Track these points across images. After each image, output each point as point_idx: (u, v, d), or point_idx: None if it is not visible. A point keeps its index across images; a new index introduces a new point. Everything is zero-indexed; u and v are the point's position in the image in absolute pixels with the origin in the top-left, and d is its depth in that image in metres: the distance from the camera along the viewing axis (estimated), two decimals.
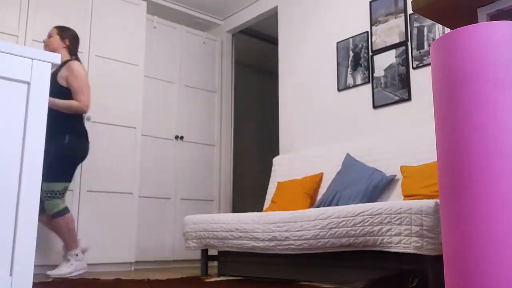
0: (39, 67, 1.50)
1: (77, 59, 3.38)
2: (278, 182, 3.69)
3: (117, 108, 3.91)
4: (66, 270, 3.11)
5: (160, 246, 4.23)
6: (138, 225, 4.03)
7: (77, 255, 3.17)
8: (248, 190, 5.52)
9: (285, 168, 3.84)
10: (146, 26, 4.38)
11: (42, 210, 3.22)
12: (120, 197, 3.82)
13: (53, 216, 3.13)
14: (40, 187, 1.44)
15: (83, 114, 3.34)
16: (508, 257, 1.08)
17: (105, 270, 3.68)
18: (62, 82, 3.24)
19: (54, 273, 3.08)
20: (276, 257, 2.91)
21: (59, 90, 3.23)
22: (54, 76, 3.26)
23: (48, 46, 3.36)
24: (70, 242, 3.17)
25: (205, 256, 3.32)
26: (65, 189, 3.19)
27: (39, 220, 3.26)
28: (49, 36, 3.37)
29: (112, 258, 3.69)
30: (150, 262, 4.19)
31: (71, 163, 3.24)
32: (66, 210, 3.16)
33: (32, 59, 1.49)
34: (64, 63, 3.31)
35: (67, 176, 3.21)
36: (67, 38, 3.38)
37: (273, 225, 2.77)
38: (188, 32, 4.77)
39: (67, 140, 3.20)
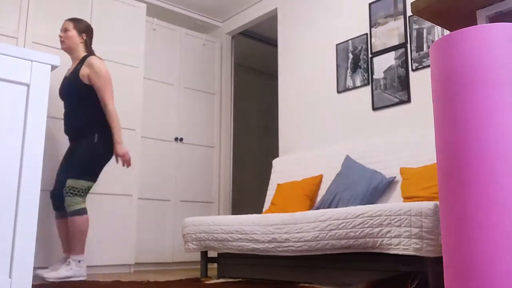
0: (39, 69, 1.50)
1: (92, 53, 3.34)
2: (278, 184, 3.69)
3: (117, 110, 3.91)
4: (64, 273, 3.05)
5: (159, 248, 4.23)
6: (137, 227, 4.03)
7: (79, 261, 3.11)
8: (248, 192, 5.52)
9: (284, 170, 3.84)
10: (146, 28, 4.39)
11: (58, 208, 3.20)
12: (120, 199, 3.81)
13: (70, 214, 3.08)
14: (39, 190, 1.44)
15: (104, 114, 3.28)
16: (508, 259, 1.08)
17: (104, 272, 3.67)
18: (85, 80, 3.20)
19: (52, 275, 3.02)
20: (276, 259, 2.91)
21: (82, 88, 3.19)
22: (76, 73, 3.21)
23: (65, 42, 3.27)
24: (78, 246, 3.11)
25: (205, 258, 3.32)
26: (89, 188, 3.17)
27: (56, 217, 3.25)
28: (65, 30, 3.27)
29: (112, 260, 3.69)
30: (150, 264, 4.18)
31: (99, 162, 3.22)
32: (84, 211, 3.13)
33: (31, 61, 1.49)
34: (83, 59, 3.25)
35: (94, 176, 3.20)
36: (84, 31, 3.31)
37: (272, 227, 2.77)
38: (187, 34, 4.78)
39: (96, 139, 3.18)
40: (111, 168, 3.74)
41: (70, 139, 3.34)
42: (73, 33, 3.28)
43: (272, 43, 5.55)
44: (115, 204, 3.78)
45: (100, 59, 3.28)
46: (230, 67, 5.11)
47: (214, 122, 4.86)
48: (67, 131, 3.31)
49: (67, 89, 3.26)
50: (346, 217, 2.42)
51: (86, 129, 3.20)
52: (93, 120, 3.22)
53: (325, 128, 3.84)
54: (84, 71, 3.20)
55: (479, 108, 1.16)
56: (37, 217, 3.36)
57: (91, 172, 3.18)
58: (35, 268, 3.31)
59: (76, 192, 3.10)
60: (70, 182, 3.10)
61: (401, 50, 3.34)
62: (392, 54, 3.40)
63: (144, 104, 4.25)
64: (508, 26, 1.19)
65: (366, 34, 3.61)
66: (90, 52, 3.35)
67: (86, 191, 3.16)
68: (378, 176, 3.01)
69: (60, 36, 3.30)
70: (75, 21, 3.31)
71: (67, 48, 3.30)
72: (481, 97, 1.16)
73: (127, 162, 3.26)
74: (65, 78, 3.33)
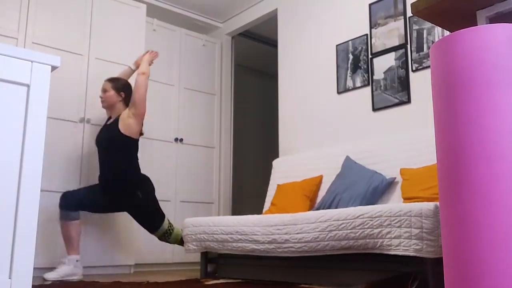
0: (39, 69, 1.50)
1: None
2: (278, 185, 3.69)
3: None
4: (62, 272, 3.14)
5: (159, 249, 4.22)
6: (138, 227, 4.03)
7: (77, 261, 3.20)
8: (248, 193, 5.52)
9: (284, 171, 3.84)
10: (146, 28, 4.39)
11: (65, 208, 3.27)
12: None
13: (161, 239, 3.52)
14: (39, 190, 1.44)
15: (137, 162, 3.45)
16: (508, 259, 1.08)
17: (104, 272, 3.67)
18: (125, 132, 3.33)
19: (52, 276, 3.07)
20: (275, 259, 2.91)
21: (123, 140, 3.33)
22: (115, 126, 3.34)
23: (105, 102, 3.44)
24: (76, 246, 3.24)
25: (205, 258, 3.32)
26: (169, 221, 3.51)
27: (61, 218, 3.31)
28: (105, 91, 3.43)
29: (112, 261, 3.68)
30: (150, 264, 4.18)
31: (153, 208, 3.44)
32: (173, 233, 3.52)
33: (31, 62, 1.49)
34: (118, 116, 3.41)
35: (160, 215, 3.47)
36: (122, 90, 3.46)
37: (272, 228, 2.76)
38: (187, 34, 4.78)
39: (141, 196, 3.37)
40: None
41: (103, 186, 3.40)
42: (111, 93, 3.43)
43: (272, 43, 5.55)
44: None
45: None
46: (230, 68, 5.11)
47: (214, 123, 4.86)
48: (100, 178, 3.43)
49: (106, 140, 3.40)
50: (346, 218, 2.42)
51: (127, 191, 3.34)
52: (130, 179, 3.37)
53: (325, 128, 3.84)
54: (121, 125, 3.34)
55: (479, 108, 1.16)
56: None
57: (159, 216, 3.45)
58: (42, 270, 3.33)
59: (167, 234, 3.49)
60: (158, 235, 3.48)
61: (401, 51, 3.34)
62: (392, 55, 3.40)
63: None
64: (508, 27, 1.19)
65: (366, 34, 3.61)
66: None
67: (171, 227, 3.51)
68: (378, 176, 3.01)
69: (101, 97, 3.46)
70: (113, 81, 3.47)
71: (108, 107, 3.47)
72: (481, 98, 1.16)
73: (153, 55, 3.56)
74: (103, 128, 3.48)
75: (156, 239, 4.21)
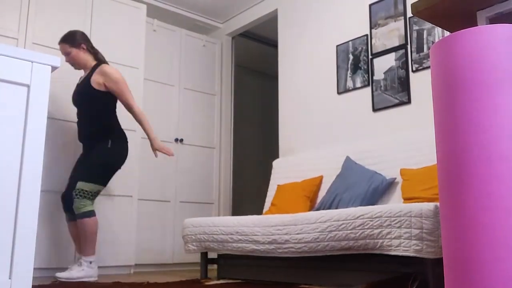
0: (39, 70, 1.50)
1: (103, 59, 3.40)
2: (278, 185, 3.69)
3: (117, 111, 3.91)
4: (76, 274, 3.10)
5: (159, 249, 4.22)
6: (137, 228, 4.03)
7: (90, 262, 3.16)
8: (248, 193, 5.52)
9: (285, 171, 3.84)
10: (146, 29, 4.39)
11: (68, 210, 3.25)
12: (120, 200, 3.81)
13: (79, 217, 3.13)
14: (39, 190, 1.44)
15: (115, 115, 3.37)
16: (508, 259, 1.08)
17: (104, 273, 3.67)
18: (99, 87, 3.26)
19: (63, 275, 3.08)
20: (276, 260, 2.91)
21: (95, 94, 3.25)
22: (87, 81, 3.26)
23: (74, 63, 3.34)
24: (88, 247, 3.16)
25: (205, 259, 3.32)
26: (98, 192, 3.24)
27: (67, 220, 3.31)
28: (66, 53, 3.32)
29: (112, 261, 3.68)
30: (150, 265, 4.18)
31: (111, 167, 3.28)
32: (92, 213, 3.18)
33: (32, 62, 1.49)
34: (94, 67, 3.32)
35: (104, 180, 3.26)
36: (80, 42, 3.33)
37: (273, 228, 2.76)
38: (188, 35, 4.78)
39: (109, 145, 3.25)
40: None
41: (84, 145, 3.39)
42: (73, 51, 3.32)
43: (272, 44, 5.55)
44: (115, 205, 3.78)
45: (111, 66, 3.35)
46: (230, 68, 5.11)
47: (214, 123, 4.86)
48: (80, 138, 3.37)
49: (80, 96, 3.32)
50: (346, 218, 2.42)
51: (99, 135, 3.25)
52: (106, 126, 3.28)
53: (325, 129, 3.84)
54: (97, 79, 3.26)
55: (479, 109, 1.16)
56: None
57: (103, 176, 3.24)
58: (51, 269, 3.38)
59: (85, 195, 3.15)
60: (80, 184, 3.15)
61: (401, 51, 3.34)
62: (392, 55, 3.40)
63: (144, 105, 4.25)
64: (508, 27, 1.19)
65: (366, 35, 3.61)
66: (99, 59, 3.40)
67: (95, 194, 3.22)
68: (378, 177, 3.01)
69: (67, 61, 3.36)
70: (67, 40, 3.32)
71: (80, 66, 3.38)
72: (481, 98, 1.16)
73: (168, 152, 3.31)
74: (78, 86, 3.39)
75: (156, 239, 4.21)
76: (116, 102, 3.38)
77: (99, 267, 3.65)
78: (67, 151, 3.59)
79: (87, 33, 3.84)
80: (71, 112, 3.65)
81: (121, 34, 4.04)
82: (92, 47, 3.41)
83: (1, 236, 1.35)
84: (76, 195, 3.13)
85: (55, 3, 3.72)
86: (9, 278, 1.36)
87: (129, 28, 4.10)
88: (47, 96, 1.49)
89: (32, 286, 2.61)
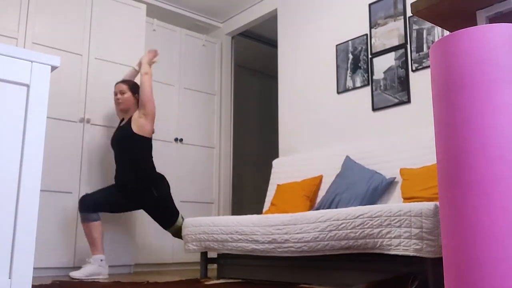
0: (39, 69, 1.50)
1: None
2: (278, 185, 3.69)
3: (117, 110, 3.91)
4: (86, 272, 3.24)
5: (159, 249, 4.22)
6: (137, 227, 4.03)
7: (101, 260, 3.31)
8: (248, 193, 5.52)
9: (284, 171, 3.84)
10: (146, 28, 4.39)
11: (84, 210, 3.34)
12: None
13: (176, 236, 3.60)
14: (39, 190, 1.44)
15: (152, 160, 3.53)
16: (508, 260, 1.08)
17: None
18: (138, 132, 3.41)
19: (76, 274, 3.19)
20: (275, 259, 2.91)
21: (137, 139, 3.42)
22: (128, 127, 3.42)
23: (123, 104, 3.49)
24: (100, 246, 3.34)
25: (205, 258, 3.32)
26: (182, 218, 3.57)
27: (82, 221, 3.39)
28: (122, 93, 3.48)
29: (112, 261, 3.68)
30: (150, 264, 4.18)
31: (167, 205, 3.52)
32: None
33: (31, 62, 1.49)
34: (130, 117, 3.49)
35: (175, 213, 3.54)
36: (136, 92, 3.52)
37: (272, 228, 2.76)
38: (187, 34, 4.78)
39: (156, 194, 3.43)
40: (112, 168, 3.73)
41: (119, 185, 3.48)
42: (129, 95, 3.50)
43: (272, 43, 5.55)
44: None
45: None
46: (230, 68, 5.11)
47: (214, 123, 4.86)
48: (116, 178, 3.52)
49: (120, 140, 3.47)
50: (346, 218, 2.42)
51: (142, 187, 3.40)
52: (146, 176, 3.44)
53: (325, 128, 3.84)
54: (134, 125, 3.42)
55: (479, 108, 1.16)
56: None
57: (173, 213, 3.53)
58: (66, 269, 3.47)
59: (180, 233, 3.53)
60: (171, 231, 3.55)
61: (401, 51, 3.34)
62: (392, 55, 3.40)
63: None
64: (508, 27, 1.19)
65: (366, 34, 3.61)
66: None
67: (182, 218, 3.58)
68: (378, 176, 3.01)
69: (118, 99, 3.49)
70: (128, 83, 3.53)
71: (124, 109, 3.53)
72: (481, 98, 1.16)
73: (154, 54, 3.60)
74: (117, 130, 3.55)
75: (156, 238, 4.22)
76: (151, 147, 3.53)
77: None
78: (66, 150, 3.59)
79: (87, 33, 3.84)
80: (70, 112, 3.65)
81: (121, 34, 4.04)
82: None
83: (1, 236, 1.36)
84: (177, 237, 3.61)
85: (55, 3, 3.72)
86: (9, 278, 1.36)
87: (129, 27, 4.10)
88: (47, 96, 1.49)
89: (32, 286, 2.61)
